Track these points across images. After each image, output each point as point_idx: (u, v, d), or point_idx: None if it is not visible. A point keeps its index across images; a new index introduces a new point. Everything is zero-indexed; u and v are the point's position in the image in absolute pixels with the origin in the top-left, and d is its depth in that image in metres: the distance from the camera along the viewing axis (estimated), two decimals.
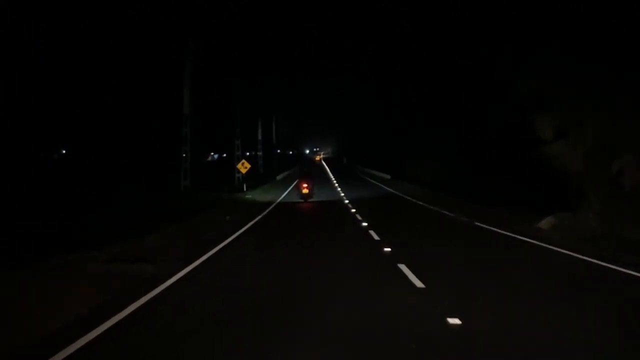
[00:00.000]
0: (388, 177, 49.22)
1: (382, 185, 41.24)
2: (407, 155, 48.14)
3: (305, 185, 26.06)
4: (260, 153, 54.21)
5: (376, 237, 13.36)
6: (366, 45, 53.46)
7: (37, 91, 30.71)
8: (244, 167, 31.32)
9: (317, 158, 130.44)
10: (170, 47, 30.92)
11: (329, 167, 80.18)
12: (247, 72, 43.32)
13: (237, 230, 14.97)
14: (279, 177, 51.01)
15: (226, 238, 13.39)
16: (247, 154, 58.36)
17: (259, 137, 54.70)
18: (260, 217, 19.63)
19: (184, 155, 28.37)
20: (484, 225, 15.94)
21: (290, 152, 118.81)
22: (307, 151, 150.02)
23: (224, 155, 69.86)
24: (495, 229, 15.06)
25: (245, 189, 32.40)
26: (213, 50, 32.32)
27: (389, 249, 11.14)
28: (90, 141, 39.11)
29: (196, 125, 47.39)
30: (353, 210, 21.35)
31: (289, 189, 36.46)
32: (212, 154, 76.19)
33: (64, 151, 47.05)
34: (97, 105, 35.49)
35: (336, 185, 41.36)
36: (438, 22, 32.29)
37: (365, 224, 16.39)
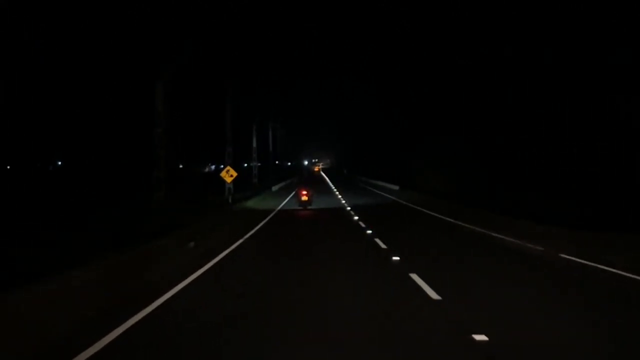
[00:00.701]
0: (396, 187, 44.20)
1: (394, 197, 35.76)
2: (416, 163, 43.32)
3: (304, 192, 26.93)
4: (258, 164, 48.97)
5: (433, 295, 7.56)
6: (366, 45, 49.78)
7: (36, 96, 29.89)
8: (228, 175, 25.93)
9: (316, 169, 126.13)
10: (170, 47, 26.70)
11: (329, 178, 74.43)
12: (241, 71, 37.91)
13: (192, 273, 9.44)
14: (274, 189, 46.22)
15: (172, 286, 7.91)
16: (245, 165, 54.79)
17: (254, 144, 49.52)
18: (241, 241, 14.18)
19: (157, 161, 22.67)
20: (578, 259, 10.50)
21: (289, 163, 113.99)
22: (306, 162, 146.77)
23: (222, 166, 65.93)
24: (603, 267, 9.63)
25: (231, 201, 26.96)
26: (208, 50, 27.50)
27: (484, 338, 5.49)
28: (85, 151, 37.77)
29: (196, 136, 43.44)
30: (369, 232, 15.82)
31: (285, 201, 31.52)
32: (209, 164, 73.58)
33: (59, 162, 45.64)
34: (94, 110, 34.27)
35: (340, 197, 35.82)
36: (438, 22, 32.39)
37: (396, 257, 10.80)
